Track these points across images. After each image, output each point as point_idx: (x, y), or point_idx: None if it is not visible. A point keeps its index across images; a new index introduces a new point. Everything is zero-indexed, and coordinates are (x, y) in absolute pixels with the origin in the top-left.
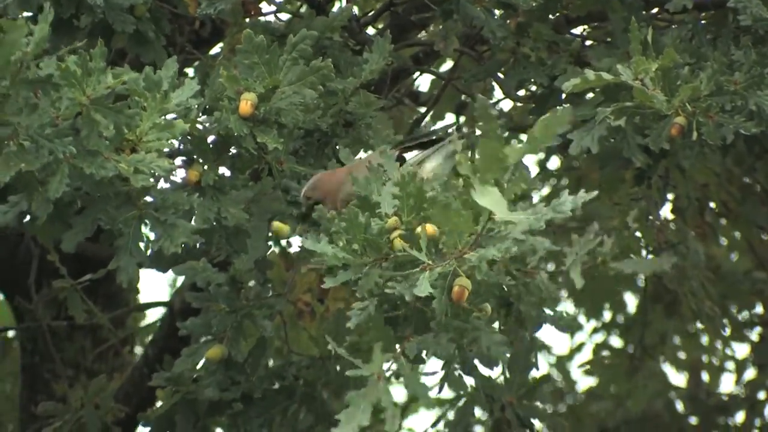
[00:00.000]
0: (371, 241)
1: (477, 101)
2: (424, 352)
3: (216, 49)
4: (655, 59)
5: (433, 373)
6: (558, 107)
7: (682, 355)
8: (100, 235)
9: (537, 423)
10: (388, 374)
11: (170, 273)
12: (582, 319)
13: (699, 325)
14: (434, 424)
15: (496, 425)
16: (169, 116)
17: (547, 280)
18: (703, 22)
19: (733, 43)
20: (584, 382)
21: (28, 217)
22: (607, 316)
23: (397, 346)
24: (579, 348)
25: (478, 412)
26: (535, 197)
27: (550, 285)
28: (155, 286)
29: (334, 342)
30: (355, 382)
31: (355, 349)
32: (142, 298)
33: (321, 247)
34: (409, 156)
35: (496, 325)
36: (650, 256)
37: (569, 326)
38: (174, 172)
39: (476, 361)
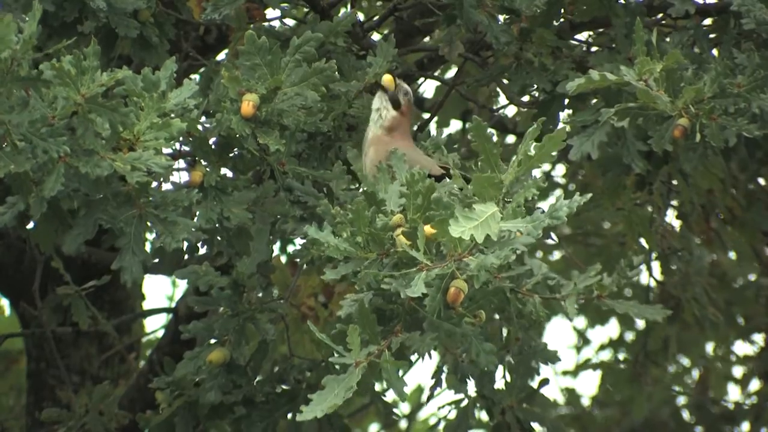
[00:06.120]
0: (375, 236)
1: (472, 121)
2: (410, 348)
3: (221, 56)
4: (659, 60)
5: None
6: (557, 119)
7: (685, 362)
8: (102, 238)
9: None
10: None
11: (168, 284)
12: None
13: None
14: (433, 427)
15: (497, 429)
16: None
17: (539, 305)
18: (705, 27)
19: (735, 48)
20: (588, 389)
21: (31, 224)
22: (615, 332)
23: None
24: (584, 364)
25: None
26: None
27: (541, 310)
28: (161, 293)
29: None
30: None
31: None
32: (148, 304)
33: (324, 236)
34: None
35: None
36: (656, 265)
37: (550, 359)
38: (173, 171)
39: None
